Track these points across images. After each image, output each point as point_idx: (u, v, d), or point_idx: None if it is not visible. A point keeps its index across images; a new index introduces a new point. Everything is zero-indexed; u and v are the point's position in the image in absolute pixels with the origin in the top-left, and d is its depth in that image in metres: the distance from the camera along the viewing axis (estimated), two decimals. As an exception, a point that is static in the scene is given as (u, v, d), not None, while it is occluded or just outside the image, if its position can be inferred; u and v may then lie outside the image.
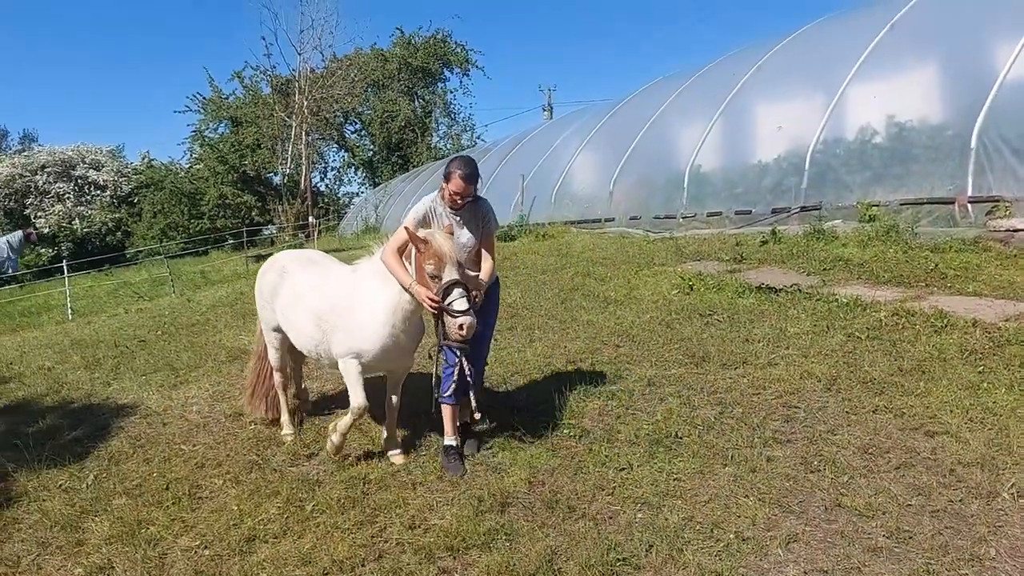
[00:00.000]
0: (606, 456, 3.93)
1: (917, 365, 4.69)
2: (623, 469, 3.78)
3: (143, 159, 39.39)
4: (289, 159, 21.57)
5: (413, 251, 3.76)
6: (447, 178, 3.93)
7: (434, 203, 4.02)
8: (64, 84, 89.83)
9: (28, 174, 35.74)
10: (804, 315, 5.95)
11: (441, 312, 3.65)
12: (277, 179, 31.81)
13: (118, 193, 36.83)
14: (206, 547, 3.49)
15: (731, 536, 3.10)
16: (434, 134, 37.50)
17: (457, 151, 33.37)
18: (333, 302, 4.17)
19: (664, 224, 11.89)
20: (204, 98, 33.47)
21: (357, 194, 39.26)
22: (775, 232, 9.34)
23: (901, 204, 8.61)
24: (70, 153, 37.12)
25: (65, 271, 15.99)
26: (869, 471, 3.53)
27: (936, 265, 6.88)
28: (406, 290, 3.78)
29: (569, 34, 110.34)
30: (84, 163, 36.85)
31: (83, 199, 36.23)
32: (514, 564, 3.05)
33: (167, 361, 7.34)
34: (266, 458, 4.48)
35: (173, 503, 3.95)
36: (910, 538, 2.98)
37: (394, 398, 4.35)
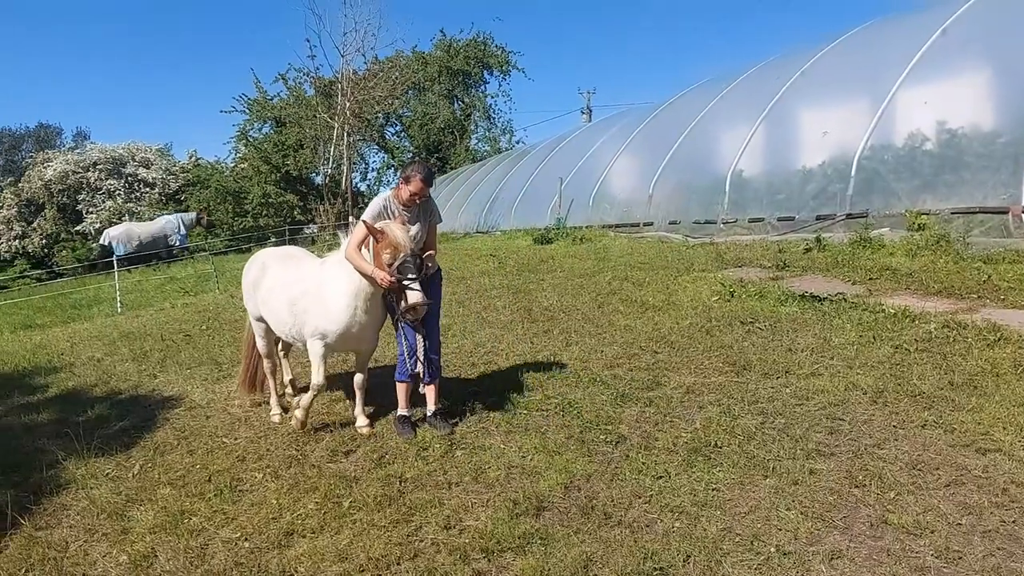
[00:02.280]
0: (643, 463, 3.89)
1: (968, 379, 4.54)
2: (660, 477, 3.73)
3: (190, 158, 40.40)
4: (331, 159, 21.89)
5: (371, 241, 4.28)
6: (408, 180, 4.48)
7: (388, 201, 4.58)
8: (116, 83, 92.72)
9: (81, 171, 36.93)
10: (849, 325, 5.82)
11: (398, 290, 4.15)
12: (319, 179, 32.31)
13: (166, 190, 37.82)
14: (246, 539, 3.55)
15: (772, 549, 3.03)
16: (472, 136, 37.71)
17: (495, 154, 33.50)
18: (304, 289, 4.72)
19: (704, 229, 11.75)
20: (249, 99, 34.19)
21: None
22: (819, 239, 9.15)
23: (952, 213, 8.36)
24: (121, 151, 38.26)
25: (115, 265, 16.48)
26: (917, 488, 3.42)
27: (989, 276, 6.65)
28: (367, 277, 4.30)
29: (609, 37, 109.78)
30: (134, 161, 37.94)
31: (133, 196, 37.29)
32: (549, 569, 3.04)
33: (211, 355, 7.51)
34: (305, 454, 4.54)
35: (215, 495, 4.03)
36: (960, 558, 2.88)
37: (359, 376, 4.87)
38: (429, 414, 4.78)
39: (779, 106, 11.74)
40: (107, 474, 4.52)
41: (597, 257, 10.97)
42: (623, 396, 4.85)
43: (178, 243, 22.29)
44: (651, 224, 13.26)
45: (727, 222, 11.43)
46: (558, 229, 14.96)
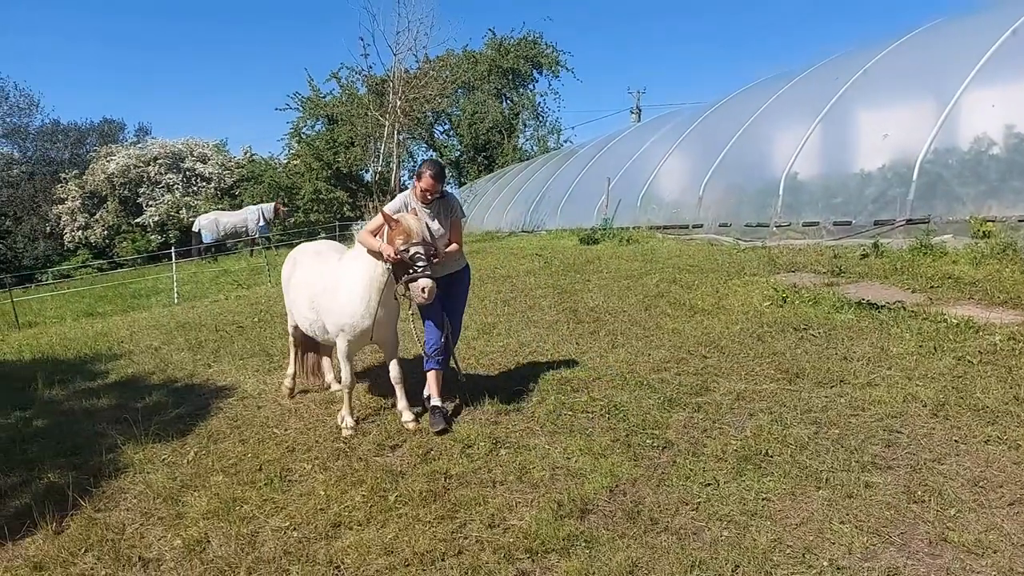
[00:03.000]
0: (691, 470, 3.83)
1: (1036, 395, 4.34)
2: (709, 484, 3.67)
3: (245, 154, 41.45)
4: (380, 157, 22.17)
5: (386, 229, 4.47)
6: (419, 177, 4.69)
7: (408, 198, 4.77)
8: (176, 80, 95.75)
9: (142, 165, 38.31)
10: (908, 334, 5.62)
11: (407, 274, 4.32)
12: (368, 176, 32.76)
13: (221, 185, 38.94)
14: (295, 529, 3.62)
15: (824, 563, 2.95)
16: (520, 136, 37.73)
17: (543, 153, 33.46)
18: (323, 286, 4.90)
19: (756, 232, 11.51)
20: (303, 97, 34.90)
21: (445, 193, 39.96)
22: (877, 245, 8.87)
23: (1020, 220, 8.00)
24: (180, 146, 39.56)
25: (173, 257, 17.03)
26: (979, 505, 3.28)
27: (1060, 288, 6.35)
28: (374, 254, 4.51)
29: (660, 36, 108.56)
30: (192, 156, 39.19)
31: (190, 190, 38.51)
32: (593, 572, 3.01)
33: (263, 347, 7.69)
34: (352, 447, 4.61)
35: (265, 484, 4.13)
36: (1026, 582, 2.75)
37: (394, 370, 4.95)
38: (433, 403, 4.93)
39: (838, 107, 11.41)
40: (163, 459, 4.67)
41: (644, 258, 10.85)
42: (670, 401, 4.79)
43: (258, 234, 22.88)
44: (700, 226, 13.06)
45: (780, 225, 11.17)
46: (604, 229, 14.85)
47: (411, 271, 4.30)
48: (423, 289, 4.26)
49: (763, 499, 3.49)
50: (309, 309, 5.07)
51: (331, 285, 4.82)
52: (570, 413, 4.77)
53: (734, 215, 12.41)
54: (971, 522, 3.15)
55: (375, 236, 4.59)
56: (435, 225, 4.76)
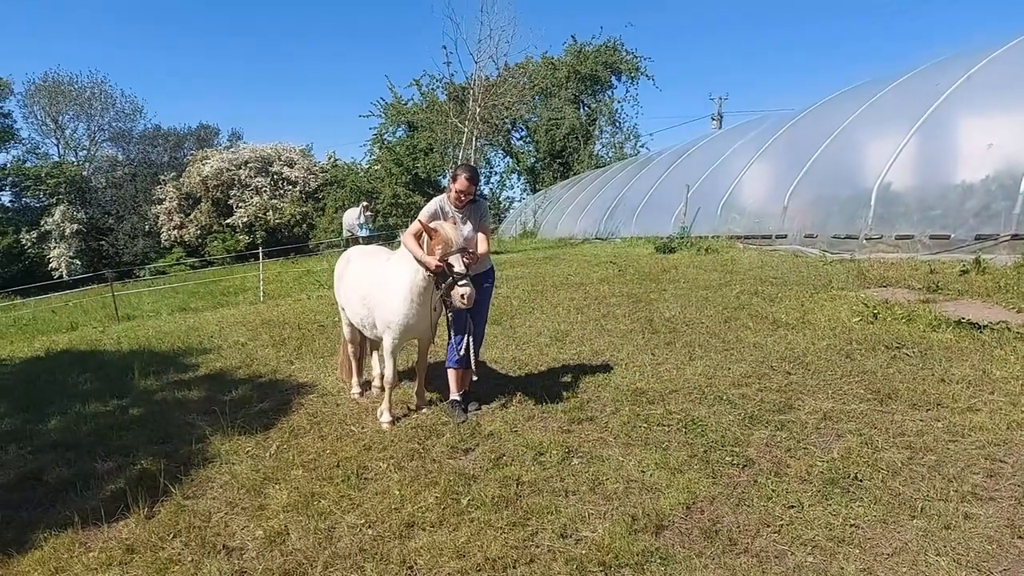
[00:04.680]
0: (773, 490, 3.68)
1: None
2: (792, 507, 3.51)
3: (329, 158, 42.96)
4: (458, 163, 22.51)
5: (425, 238, 4.72)
6: (454, 179, 4.94)
7: (442, 202, 4.99)
8: (267, 86, 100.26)
9: (234, 168, 40.31)
10: (1014, 357, 5.24)
11: (447, 281, 4.59)
12: (445, 182, 33.32)
13: (306, 189, 40.48)
14: (370, 526, 3.68)
15: (919, 598, 2.77)
16: (597, 142, 37.49)
17: (619, 160, 33.15)
18: (372, 284, 5.23)
19: (844, 244, 11.01)
20: (386, 103, 35.86)
21: (519, 199, 40.20)
22: (979, 261, 8.32)
23: None
24: (269, 151, 41.40)
25: (260, 257, 17.77)
26: (1097, 547, 3.01)
27: None
28: (420, 262, 4.74)
29: (743, 41, 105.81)
30: (280, 160, 40.93)
31: (277, 193, 40.21)
32: (669, 591, 2.93)
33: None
34: (427, 448, 4.66)
35: (343, 480, 4.22)
36: None
37: (421, 359, 5.44)
38: (453, 397, 5.29)
39: (937, 114, 10.77)
40: (247, 452, 4.85)
41: (724, 269, 10.56)
42: (752, 417, 4.62)
43: (362, 233, 23.60)
44: (784, 236, 12.60)
45: (871, 238, 10.64)
46: (682, 238, 14.55)
47: (450, 279, 4.58)
48: (462, 296, 4.55)
49: (851, 525, 3.31)
50: (361, 305, 5.37)
51: (379, 284, 5.15)
52: (645, 425, 4.68)
53: (821, 226, 11.91)
54: (1088, 565, 2.89)
55: (418, 237, 4.85)
56: (467, 228, 4.98)
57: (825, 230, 11.70)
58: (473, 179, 4.94)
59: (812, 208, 12.47)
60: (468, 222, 5.01)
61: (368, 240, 21.51)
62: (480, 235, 5.05)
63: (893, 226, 10.49)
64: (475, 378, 5.24)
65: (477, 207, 5.09)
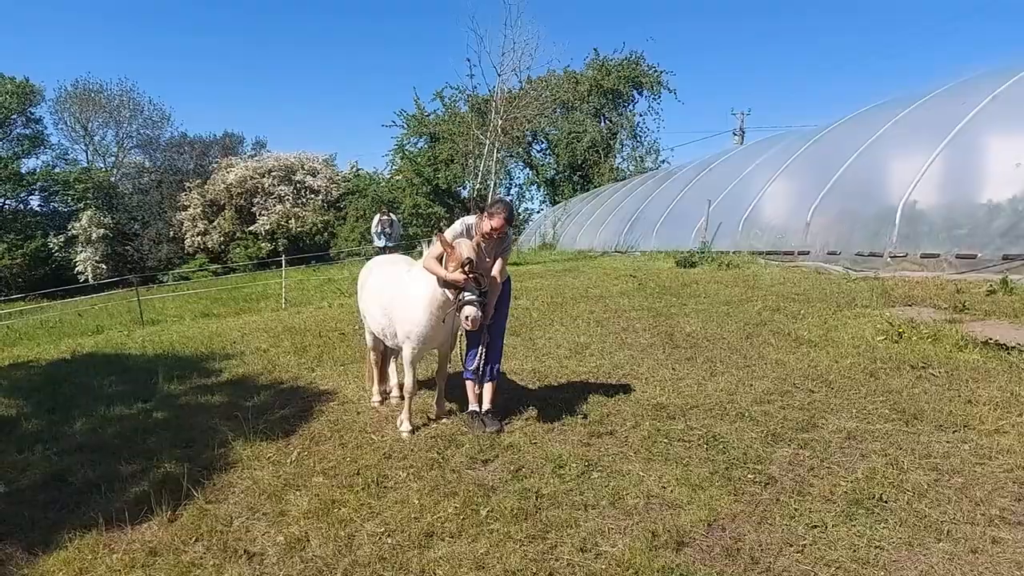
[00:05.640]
0: (796, 509, 3.63)
1: None
2: (815, 527, 3.46)
3: (352, 168, 43.42)
4: (479, 175, 22.59)
5: (444, 255, 4.73)
6: (492, 216, 4.83)
7: (469, 228, 4.91)
8: (291, 96, 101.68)
9: (257, 176, 40.91)
10: (1044, 380, 5.14)
11: (456, 302, 4.65)
12: (465, 192, 33.45)
13: (328, 198, 40.96)
14: (389, 535, 3.69)
15: (946, 624, 2.72)
16: (618, 156, 37.51)
17: (640, 173, 33.12)
18: (393, 294, 5.28)
19: (868, 262, 10.89)
20: (408, 114, 36.19)
21: (538, 211, 40.28)
22: (1006, 282, 8.20)
23: None
24: (292, 159, 41.97)
25: (283, 264, 17.96)
26: None
27: None
28: (441, 280, 4.72)
29: (766, 57, 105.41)
30: (303, 169, 41.48)
31: (299, 201, 40.73)
32: (690, 608, 2.90)
33: (363, 354, 7.92)
34: (446, 457, 4.67)
35: (363, 488, 4.23)
36: None
37: (441, 370, 5.48)
38: (482, 411, 5.23)
39: (964, 133, 10.66)
40: (269, 457, 4.89)
41: (745, 284, 10.49)
42: (774, 435, 4.57)
43: (379, 243, 23.85)
44: (807, 253, 12.50)
45: (895, 256, 10.52)
46: (703, 253, 14.48)
47: (462, 296, 4.62)
48: (467, 318, 4.58)
49: (876, 547, 3.26)
50: (382, 314, 5.43)
51: (400, 295, 5.20)
52: (666, 440, 4.65)
53: (844, 243, 11.81)
54: (1122, 595, 2.83)
55: (440, 258, 4.81)
56: (490, 263, 4.97)
57: (849, 247, 11.60)
58: (510, 219, 4.90)
59: (836, 225, 12.37)
60: (490, 256, 4.98)
61: (386, 250, 21.62)
62: (497, 261, 5.04)
63: (918, 244, 10.38)
64: (488, 405, 5.25)
65: (503, 240, 5.05)
